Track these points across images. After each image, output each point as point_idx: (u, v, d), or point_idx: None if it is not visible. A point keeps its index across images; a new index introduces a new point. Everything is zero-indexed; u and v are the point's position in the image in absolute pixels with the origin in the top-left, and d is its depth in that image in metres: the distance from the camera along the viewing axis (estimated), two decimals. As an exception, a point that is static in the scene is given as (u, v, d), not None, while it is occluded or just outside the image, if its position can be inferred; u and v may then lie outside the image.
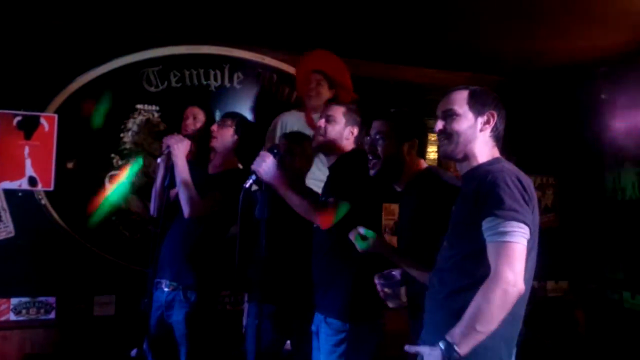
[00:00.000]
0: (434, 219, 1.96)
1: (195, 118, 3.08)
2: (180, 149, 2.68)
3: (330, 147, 2.49)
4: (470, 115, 1.79)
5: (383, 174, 2.23)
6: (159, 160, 2.82)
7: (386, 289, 2.10)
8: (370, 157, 2.25)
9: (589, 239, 4.66)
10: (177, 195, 2.73)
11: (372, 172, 2.24)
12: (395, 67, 4.29)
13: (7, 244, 3.38)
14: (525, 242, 1.57)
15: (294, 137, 2.84)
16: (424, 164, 2.28)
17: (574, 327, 4.24)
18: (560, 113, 4.76)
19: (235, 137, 2.80)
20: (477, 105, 1.80)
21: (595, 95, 4.49)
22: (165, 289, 2.64)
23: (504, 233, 1.55)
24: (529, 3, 3.15)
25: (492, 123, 1.80)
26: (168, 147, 2.70)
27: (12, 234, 3.41)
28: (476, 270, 1.61)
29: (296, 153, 2.73)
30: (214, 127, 2.84)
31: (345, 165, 2.45)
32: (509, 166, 1.72)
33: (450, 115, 1.81)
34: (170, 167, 2.70)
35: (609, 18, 3.37)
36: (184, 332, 2.59)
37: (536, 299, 4.51)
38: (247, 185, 2.34)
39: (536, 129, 4.75)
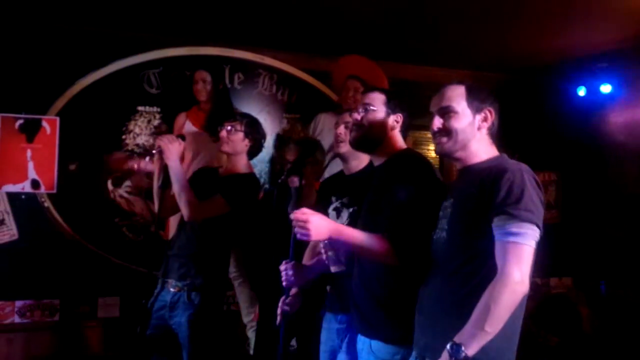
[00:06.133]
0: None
1: (205, 81, 3.26)
2: (171, 150, 2.57)
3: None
4: (468, 113, 1.73)
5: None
6: (147, 159, 2.74)
7: (330, 253, 2.10)
8: None
9: (592, 235, 4.66)
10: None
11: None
12: (393, 65, 4.28)
13: (11, 247, 3.39)
14: (534, 245, 1.53)
15: (305, 145, 2.73)
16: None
17: (577, 323, 4.23)
18: (562, 109, 4.75)
19: (246, 140, 2.74)
20: (475, 102, 1.74)
21: (596, 91, 4.48)
22: (171, 290, 2.62)
23: (516, 234, 1.51)
24: (529, 2, 3.16)
25: (489, 121, 1.74)
26: (159, 147, 2.64)
27: (16, 237, 3.42)
28: (480, 269, 1.59)
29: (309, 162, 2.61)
30: (224, 134, 2.75)
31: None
32: (525, 166, 1.65)
33: (448, 113, 1.74)
34: (164, 168, 2.65)
35: (609, 15, 3.37)
36: (187, 334, 2.57)
37: (540, 295, 4.51)
38: (281, 180, 2.24)
39: (538, 125, 4.75)
